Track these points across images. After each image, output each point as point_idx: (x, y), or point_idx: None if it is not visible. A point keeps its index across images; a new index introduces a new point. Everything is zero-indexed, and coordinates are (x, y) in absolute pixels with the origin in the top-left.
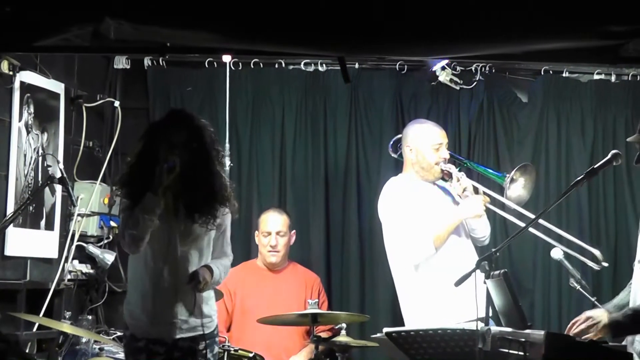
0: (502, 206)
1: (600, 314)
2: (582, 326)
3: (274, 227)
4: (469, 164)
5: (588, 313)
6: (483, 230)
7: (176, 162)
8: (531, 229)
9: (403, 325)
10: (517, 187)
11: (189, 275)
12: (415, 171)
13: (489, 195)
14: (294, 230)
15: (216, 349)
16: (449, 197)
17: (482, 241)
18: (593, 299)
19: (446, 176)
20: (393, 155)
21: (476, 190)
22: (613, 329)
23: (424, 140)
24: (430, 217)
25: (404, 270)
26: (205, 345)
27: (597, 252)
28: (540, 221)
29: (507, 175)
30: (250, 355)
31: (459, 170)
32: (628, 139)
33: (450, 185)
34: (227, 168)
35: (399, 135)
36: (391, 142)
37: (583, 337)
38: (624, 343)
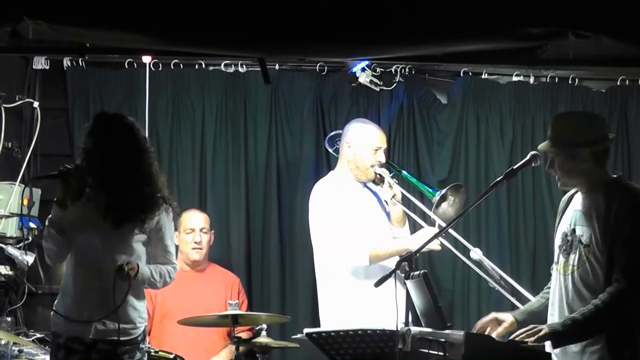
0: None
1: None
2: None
3: (197, 224)
4: (404, 173)
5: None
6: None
7: (68, 171)
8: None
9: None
10: (446, 205)
11: (116, 267)
12: (350, 169)
13: (408, 200)
14: (212, 230)
15: (138, 355)
16: (378, 200)
17: None
18: (512, 299)
19: (378, 180)
20: (329, 149)
21: (405, 199)
22: (553, 339)
23: (364, 141)
24: (361, 220)
25: (329, 271)
26: (124, 351)
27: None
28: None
29: (439, 192)
30: (171, 356)
31: (392, 176)
32: (539, 147)
33: (380, 189)
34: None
35: (339, 131)
36: (328, 137)
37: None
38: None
